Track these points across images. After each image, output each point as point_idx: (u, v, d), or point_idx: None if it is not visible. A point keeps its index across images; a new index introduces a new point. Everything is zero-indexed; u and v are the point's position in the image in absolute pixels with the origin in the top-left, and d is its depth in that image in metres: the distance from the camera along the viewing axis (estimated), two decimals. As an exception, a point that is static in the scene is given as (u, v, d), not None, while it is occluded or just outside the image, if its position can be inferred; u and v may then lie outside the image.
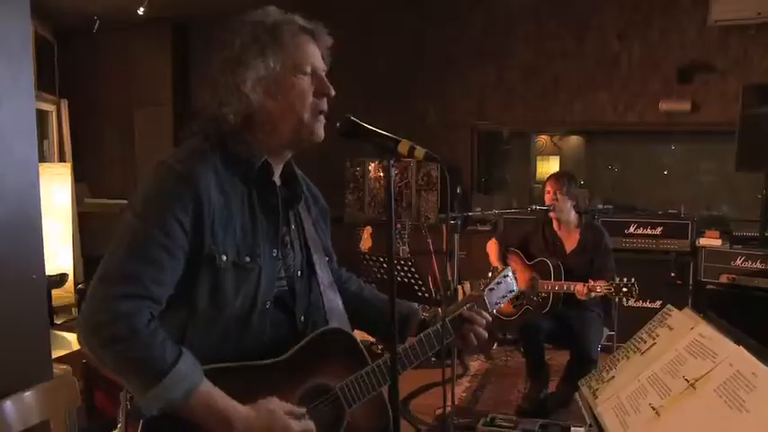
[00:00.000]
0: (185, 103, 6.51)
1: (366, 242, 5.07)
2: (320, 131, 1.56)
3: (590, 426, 1.72)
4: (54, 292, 4.42)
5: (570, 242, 4.16)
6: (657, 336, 1.86)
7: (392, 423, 1.55)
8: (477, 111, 6.26)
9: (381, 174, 6.24)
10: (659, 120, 5.74)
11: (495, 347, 5.36)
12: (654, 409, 1.54)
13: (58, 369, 2.62)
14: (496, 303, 1.88)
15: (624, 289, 3.65)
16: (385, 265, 3.56)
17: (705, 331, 1.67)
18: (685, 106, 5.55)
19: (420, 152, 1.44)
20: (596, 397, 1.82)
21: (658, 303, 4.90)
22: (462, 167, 6.33)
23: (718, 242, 4.88)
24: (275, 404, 1.45)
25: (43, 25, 5.81)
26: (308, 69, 1.53)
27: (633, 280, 3.66)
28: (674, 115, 5.67)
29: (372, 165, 6.21)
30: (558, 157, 6.93)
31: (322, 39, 1.59)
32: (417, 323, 1.81)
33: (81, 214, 5.81)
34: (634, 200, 6.09)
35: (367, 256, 3.87)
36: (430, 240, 5.34)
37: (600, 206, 5.70)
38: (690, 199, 5.98)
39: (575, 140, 6.89)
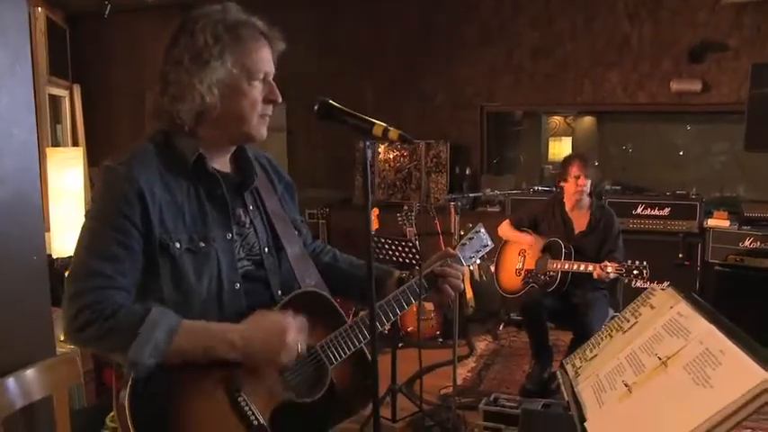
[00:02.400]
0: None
1: (373, 223, 5.11)
2: (263, 133, 1.63)
3: (567, 403, 1.75)
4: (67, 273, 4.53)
5: (580, 223, 4.19)
6: (640, 315, 1.89)
7: (372, 379, 1.60)
8: (485, 92, 6.23)
9: (391, 156, 6.28)
10: (670, 100, 5.67)
11: (501, 328, 5.41)
12: (627, 385, 1.57)
13: (66, 349, 2.71)
14: (470, 258, 1.94)
15: (635, 271, 3.67)
16: (386, 247, 3.61)
17: (683, 310, 1.69)
18: (696, 86, 5.48)
19: (394, 134, 1.47)
20: (578, 375, 1.85)
21: (666, 284, 4.88)
22: (471, 148, 6.33)
23: (726, 223, 4.85)
24: (263, 311, 1.57)
25: (54, 12, 5.87)
26: (261, 76, 1.58)
27: (645, 263, 3.67)
28: (685, 95, 5.60)
29: (382, 147, 6.24)
30: (570, 138, 6.91)
31: (276, 44, 1.63)
32: (394, 282, 1.87)
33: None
34: (645, 181, 6.07)
35: (374, 237, 3.92)
36: (437, 221, 5.38)
37: (608, 187, 5.69)
38: (702, 180, 5.95)
39: (588, 121, 6.87)
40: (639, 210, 5.15)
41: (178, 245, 1.52)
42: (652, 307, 1.87)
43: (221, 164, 1.66)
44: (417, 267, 1.91)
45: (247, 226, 1.67)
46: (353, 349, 1.68)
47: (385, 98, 6.42)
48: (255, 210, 1.71)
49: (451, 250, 1.91)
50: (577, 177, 4.12)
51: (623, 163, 6.45)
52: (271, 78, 1.61)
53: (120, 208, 1.48)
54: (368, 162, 1.50)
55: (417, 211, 5.17)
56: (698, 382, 1.38)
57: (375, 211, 5.18)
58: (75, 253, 1.51)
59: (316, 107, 1.51)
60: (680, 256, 4.94)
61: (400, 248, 3.60)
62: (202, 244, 1.56)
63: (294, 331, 1.55)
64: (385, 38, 6.45)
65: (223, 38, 1.53)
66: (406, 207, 5.05)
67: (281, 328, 1.53)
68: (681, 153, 6.34)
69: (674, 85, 5.55)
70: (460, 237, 1.97)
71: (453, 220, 3.69)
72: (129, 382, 1.44)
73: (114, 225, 1.48)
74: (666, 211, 5.08)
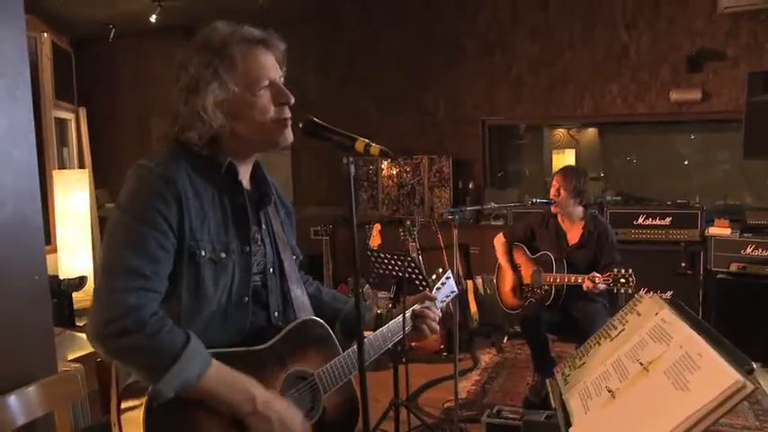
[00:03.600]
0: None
1: (375, 239, 5.14)
2: (287, 138, 1.64)
3: (553, 409, 1.78)
4: (75, 295, 4.57)
5: (573, 235, 4.19)
6: (627, 322, 1.91)
7: (361, 407, 1.64)
8: (486, 105, 6.30)
9: (394, 171, 6.33)
10: (670, 110, 5.72)
11: (505, 341, 5.42)
12: (610, 391, 1.60)
13: (71, 368, 2.75)
14: (442, 301, 2.11)
15: (622, 280, 3.65)
16: (385, 261, 3.64)
17: (667, 316, 1.72)
18: (696, 95, 5.52)
19: (375, 149, 1.51)
20: (567, 383, 1.88)
21: (669, 294, 4.90)
22: (474, 162, 6.38)
23: (727, 231, 4.86)
24: (289, 401, 1.60)
25: (60, 37, 5.98)
26: (266, 83, 1.59)
27: (630, 270, 3.66)
28: (685, 105, 5.65)
29: (385, 163, 6.30)
30: (573, 150, 6.93)
31: (275, 45, 1.63)
32: (373, 318, 1.96)
33: (102, 219, 6.00)
34: (648, 191, 6.09)
35: (374, 252, 3.95)
36: (440, 236, 5.42)
37: (608, 198, 5.71)
38: (705, 189, 5.96)
39: (592, 132, 6.89)
40: (641, 220, 5.17)
41: (203, 253, 1.53)
42: (638, 314, 1.90)
43: (243, 178, 1.68)
44: (422, 286, 1.99)
45: (259, 243, 1.69)
46: (345, 379, 1.74)
47: (386, 113, 6.50)
48: (266, 229, 1.73)
49: (430, 294, 2.05)
50: (552, 186, 4.14)
51: (626, 174, 6.47)
52: (279, 81, 1.62)
53: (159, 207, 1.47)
54: (351, 178, 1.54)
55: (420, 226, 5.21)
56: (677, 387, 1.42)
57: (377, 227, 5.22)
58: (106, 248, 1.47)
59: (301, 125, 1.56)
60: (682, 265, 4.95)
61: (399, 263, 3.63)
62: (223, 255, 1.57)
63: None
64: (385, 53, 6.53)
65: (213, 62, 1.54)
66: (408, 222, 5.09)
67: (294, 422, 1.57)
68: (686, 162, 6.34)
69: (674, 95, 5.59)
70: (433, 282, 2.12)
71: (454, 234, 3.72)
72: (146, 400, 1.44)
73: (153, 223, 1.46)
74: (668, 220, 5.10)
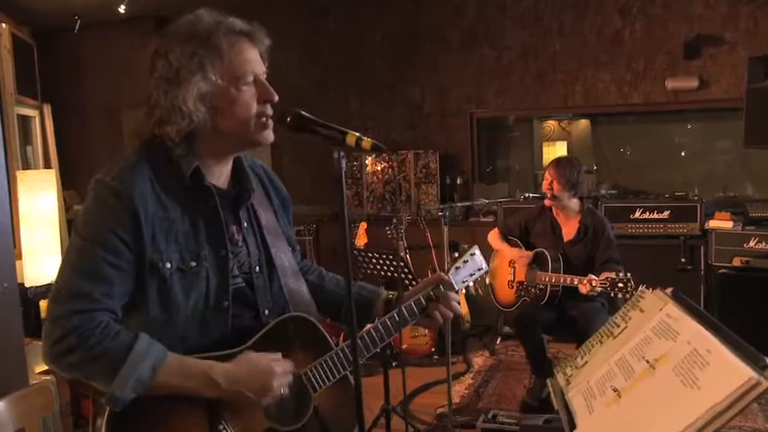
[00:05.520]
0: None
1: (361, 238, 5.15)
2: (267, 137, 1.62)
3: (554, 411, 1.78)
4: (42, 303, 4.52)
5: (569, 230, 4.20)
6: (630, 319, 1.92)
7: (356, 407, 1.63)
8: (474, 97, 6.32)
9: (379, 167, 6.33)
10: (667, 99, 5.76)
11: (498, 342, 5.44)
12: (616, 390, 1.61)
13: (43, 380, 2.73)
14: (463, 282, 2.02)
15: (620, 284, 3.61)
16: (374, 261, 3.64)
17: (672, 311, 1.73)
18: (693, 83, 5.57)
19: (367, 143, 1.50)
20: (569, 383, 1.89)
21: (669, 291, 4.91)
22: (462, 157, 6.40)
23: (729, 224, 4.89)
24: (252, 353, 1.59)
25: (20, 28, 5.92)
26: (250, 78, 1.58)
27: (629, 275, 3.63)
28: (681, 93, 5.69)
29: (369, 159, 6.30)
30: (565, 143, 6.97)
31: (259, 40, 1.61)
32: (383, 303, 1.93)
33: (70, 222, 5.94)
34: (644, 184, 6.14)
35: (361, 252, 3.96)
36: (428, 234, 5.42)
37: (604, 191, 5.73)
38: (704, 181, 6.01)
39: (584, 124, 6.94)
40: (638, 214, 5.20)
41: (169, 265, 1.53)
42: (641, 310, 1.91)
43: (218, 177, 1.66)
44: (411, 286, 1.95)
45: (239, 244, 1.69)
46: (338, 376, 1.73)
47: (371, 107, 6.49)
48: (249, 227, 1.72)
49: (445, 276, 1.96)
50: (546, 179, 4.16)
51: (620, 166, 6.51)
52: (262, 77, 1.61)
53: (111, 226, 1.48)
54: (342, 173, 1.52)
55: (407, 223, 5.21)
56: (686, 384, 1.42)
57: (363, 226, 5.22)
58: (60, 271, 1.51)
59: (288, 118, 1.54)
60: (682, 260, 4.98)
61: (388, 263, 3.63)
62: (193, 263, 1.57)
63: (280, 376, 1.58)
64: (369, 44, 6.53)
65: (198, 52, 1.52)
66: (395, 220, 5.09)
67: (268, 371, 1.57)
68: (683, 154, 6.40)
69: (670, 83, 5.63)
70: (453, 259, 2.04)
71: (444, 232, 3.72)
72: (107, 409, 1.46)
73: (104, 244, 1.47)
74: (666, 213, 5.13)
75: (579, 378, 1.86)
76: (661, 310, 1.79)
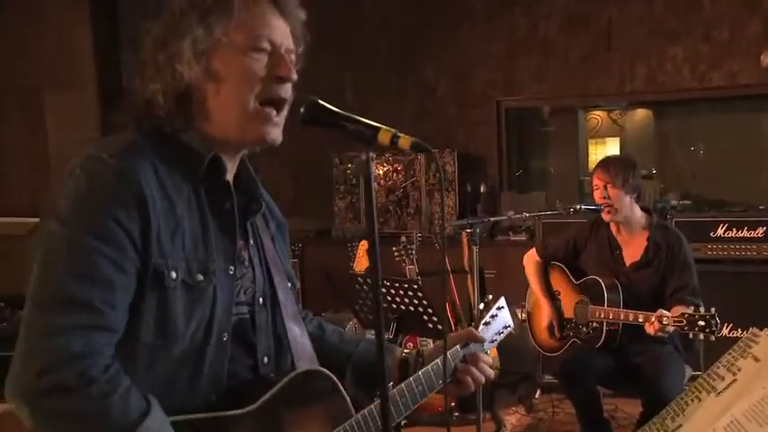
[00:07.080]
0: (115, 83, 6.56)
1: (361, 261, 5.12)
2: (269, 133, 1.58)
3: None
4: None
5: (632, 251, 4.14)
6: (739, 370, 1.89)
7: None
8: (502, 81, 6.31)
9: (381, 172, 6.32)
10: (761, 79, 5.67)
11: (537, 396, 5.39)
12: (731, 465, 1.56)
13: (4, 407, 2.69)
14: (492, 341, 2.10)
15: (701, 323, 3.51)
16: (384, 290, 3.60)
17: (799, 360, 1.70)
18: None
19: (406, 141, 1.47)
20: (659, 453, 1.85)
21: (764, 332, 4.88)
22: (486, 158, 6.41)
23: None
24: None
25: None
26: (264, 44, 1.55)
27: (713, 310, 3.57)
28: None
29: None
30: (617, 139, 6.97)
31: (290, 11, 1.62)
32: (396, 363, 1.94)
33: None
34: (726, 192, 6.09)
35: (361, 279, 3.91)
36: (446, 256, 5.38)
37: (673, 202, 5.70)
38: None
39: (641, 115, 6.94)
40: (720, 231, 5.15)
41: (174, 275, 1.48)
42: (756, 359, 1.87)
43: (229, 174, 1.65)
44: (431, 325, 1.95)
45: (246, 264, 1.67)
46: None
47: (370, 94, 6.47)
48: (254, 246, 1.71)
49: (477, 333, 2.01)
50: (596, 188, 4.09)
51: (693, 169, 6.48)
52: (282, 51, 1.58)
53: (115, 214, 1.40)
54: (371, 178, 1.48)
55: (419, 243, 5.18)
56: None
57: (363, 245, 5.19)
58: (41, 272, 1.40)
59: (302, 110, 1.49)
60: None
61: (402, 292, 3.59)
62: (200, 277, 1.52)
63: None
64: (370, 16, 6.52)
65: (203, 2, 1.52)
66: (404, 239, 5.05)
67: None
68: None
69: (766, 59, 5.57)
70: (480, 313, 2.13)
71: (466, 255, 3.67)
72: None
73: (107, 237, 1.39)
74: (760, 231, 5.08)
75: (673, 446, 1.83)
76: (784, 359, 1.76)
